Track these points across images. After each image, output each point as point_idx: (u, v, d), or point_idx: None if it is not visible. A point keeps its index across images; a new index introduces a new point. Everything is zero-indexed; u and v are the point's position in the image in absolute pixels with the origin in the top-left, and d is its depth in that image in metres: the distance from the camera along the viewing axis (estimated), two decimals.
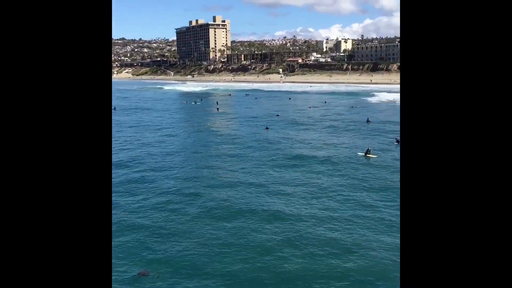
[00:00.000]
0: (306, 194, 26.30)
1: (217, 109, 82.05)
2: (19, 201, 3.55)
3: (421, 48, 3.67)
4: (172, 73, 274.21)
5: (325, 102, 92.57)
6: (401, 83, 3.84)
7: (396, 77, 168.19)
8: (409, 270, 3.68)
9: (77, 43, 3.73)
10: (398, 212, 22.49)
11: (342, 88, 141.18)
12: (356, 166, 33.35)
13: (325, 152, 39.10)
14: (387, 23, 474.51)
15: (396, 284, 15.63)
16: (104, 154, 3.81)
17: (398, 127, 53.42)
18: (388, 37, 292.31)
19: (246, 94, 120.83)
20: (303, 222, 21.53)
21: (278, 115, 67.89)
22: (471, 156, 3.58)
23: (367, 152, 36.37)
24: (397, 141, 41.52)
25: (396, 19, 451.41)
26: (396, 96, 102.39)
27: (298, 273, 16.44)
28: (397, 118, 62.33)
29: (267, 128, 53.12)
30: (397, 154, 37.36)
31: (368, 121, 58.34)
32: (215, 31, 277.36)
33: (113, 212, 20.60)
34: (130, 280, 16.03)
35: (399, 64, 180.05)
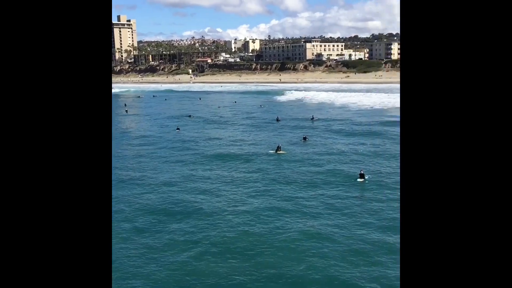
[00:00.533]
0: (222, 191, 26.72)
1: (126, 111, 79.83)
2: (20, 202, 3.50)
3: (420, 48, 3.66)
4: None
5: (235, 102, 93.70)
6: (401, 83, 3.82)
7: (302, 76, 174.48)
8: (409, 273, 3.63)
9: (77, 43, 3.69)
10: (309, 203, 23.75)
11: (252, 87, 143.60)
12: (268, 162, 34.42)
13: (237, 150, 39.84)
14: (292, 24, 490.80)
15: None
16: (104, 154, 3.77)
17: (304, 123, 55.67)
18: (294, 37, 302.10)
19: (153, 96, 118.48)
20: (220, 218, 21.91)
21: (190, 116, 67.64)
22: (471, 156, 3.54)
23: (278, 149, 37.65)
24: (304, 138, 43.34)
25: (300, 20, 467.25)
26: (304, 94, 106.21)
27: (218, 272, 16.79)
28: (304, 114, 64.84)
29: (178, 129, 52.82)
30: (304, 149, 39.06)
31: (277, 119, 60.08)
32: (120, 31, 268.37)
33: None
34: None
35: (305, 63, 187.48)
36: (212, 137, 47.93)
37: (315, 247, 18.36)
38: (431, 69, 3.64)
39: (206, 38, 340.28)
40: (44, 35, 3.63)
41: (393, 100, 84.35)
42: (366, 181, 27.52)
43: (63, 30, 3.68)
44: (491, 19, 3.52)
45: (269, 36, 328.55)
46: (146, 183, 29.22)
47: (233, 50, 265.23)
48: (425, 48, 3.65)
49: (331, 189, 26.82)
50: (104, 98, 3.79)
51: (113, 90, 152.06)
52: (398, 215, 21.97)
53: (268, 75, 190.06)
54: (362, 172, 28.28)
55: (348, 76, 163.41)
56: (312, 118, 59.77)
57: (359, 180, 27.71)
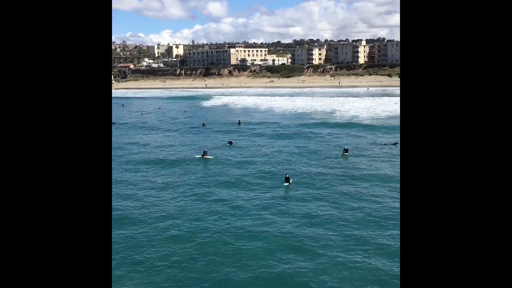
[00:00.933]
0: (149, 197, 26.25)
1: None
2: (20, 202, 3.48)
3: (420, 49, 3.62)
4: None
5: (160, 108, 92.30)
6: (401, 84, 3.79)
7: (228, 81, 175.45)
8: (409, 273, 3.58)
9: (77, 44, 3.66)
10: (237, 206, 24.00)
11: (178, 93, 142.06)
12: (195, 167, 34.32)
13: (164, 156, 39.34)
14: (216, 29, 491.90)
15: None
16: (104, 155, 3.76)
17: (229, 128, 56.01)
18: (218, 42, 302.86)
19: None
20: (148, 225, 21.53)
21: (114, 123, 65.65)
22: (471, 157, 3.51)
23: (204, 154, 37.63)
24: (229, 142, 43.64)
25: (223, 26, 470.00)
26: (229, 99, 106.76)
27: (144, 279, 16.51)
28: (230, 119, 65.23)
29: None
30: (231, 153, 39.37)
31: (203, 124, 59.96)
32: None
33: None
34: None
35: (230, 68, 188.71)
36: (137, 143, 46.92)
37: (244, 248, 18.60)
38: (430, 69, 3.61)
39: (128, 43, 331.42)
40: (44, 35, 3.61)
41: (315, 104, 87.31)
42: (291, 185, 28.23)
43: (62, 30, 3.66)
44: (491, 20, 3.49)
45: (192, 41, 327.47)
46: None
47: (156, 55, 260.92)
48: (424, 48, 3.62)
49: (258, 192, 27.27)
50: (104, 99, 3.77)
51: None
52: (322, 213, 22.85)
53: (193, 80, 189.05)
54: (287, 176, 28.98)
55: (272, 81, 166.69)
56: (239, 123, 60.13)
57: (285, 184, 28.35)
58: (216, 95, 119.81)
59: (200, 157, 37.36)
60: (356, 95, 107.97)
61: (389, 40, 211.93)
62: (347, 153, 37.14)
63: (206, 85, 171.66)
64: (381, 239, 19.20)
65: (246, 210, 23.72)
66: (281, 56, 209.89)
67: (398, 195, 25.38)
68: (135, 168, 34.94)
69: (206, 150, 38.46)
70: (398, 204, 21.62)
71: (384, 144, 41.76)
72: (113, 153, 40.39)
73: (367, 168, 32.31)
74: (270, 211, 23.45)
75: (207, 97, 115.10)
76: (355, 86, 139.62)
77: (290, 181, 28.37)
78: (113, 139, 49.68)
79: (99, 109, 3.75)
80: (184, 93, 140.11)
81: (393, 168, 31.30)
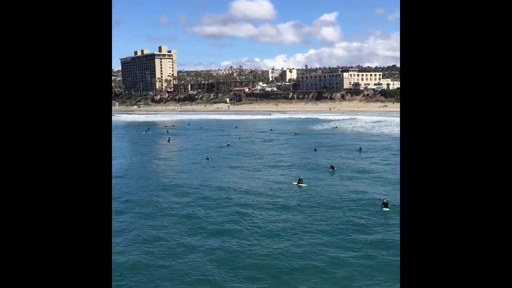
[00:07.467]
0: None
1: (168, 140, 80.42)
2: (20, 202, 3.50)
3: (420, 50, 3.58)
4: (117, 103, 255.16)
5: (271, 129, 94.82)
6: (401, 85, 3.79)
7: (340, 105, 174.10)
8: (409, 272, 3.54)
9: (77, 45, 3.64)
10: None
11: (294, 115, 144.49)
12: (289, 194, 33.60)
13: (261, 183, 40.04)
14: (329, 53, 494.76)
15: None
16: (104, 156, 3.70)
17: (340, 154, 55.17)
18: (331, 66, 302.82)
19: (188, 124, 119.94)
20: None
21: (228, 145, 68.20)
22: (471, 160, 3.49)
23: (299, 181, 36.67)
24: (331, 167, 42.97)
25: (336, 50, 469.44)
26: (339, 124, 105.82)
27: None
28: (342, 142, 64.52)
29: (207, 159, 53.21)
30: (328, 181, 38.59)
31: (315, 149, 59.06)
32: (161, 61, 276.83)
33: None
34: None
35: (342, 92, 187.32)
36: (239, 170, 48.45)
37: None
38: (430, 71, 3.58)
39: (244, 67, 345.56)
40: (44, 35, 3.59)
41: None
42: (390, 209, 27.22)
43: (63, 32, 3.63)
44: (491, 22, 3.45)
45: (306, 65, 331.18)
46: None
47: (270, 79, 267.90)
48: (424, 50, 3.60)
49: (352, 217, 26.63)
50: (104, 100, 3.70)
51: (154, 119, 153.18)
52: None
53: (305, 104, 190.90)
54: (385, 200, 28.11)
55: (385, 106, 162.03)
56: (360, 149, 57.45)
57: (383, 209, 27.51)
58: (325, 119, 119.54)
59: (296, 184, 36.51)
60: None
61: None
62: None
63: (330, 108, 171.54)
64: None
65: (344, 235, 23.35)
66: (396, 80, 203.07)
67: None
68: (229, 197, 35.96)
69: (301, 177, 37.05)
70: None
71: None
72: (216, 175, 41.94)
73: None
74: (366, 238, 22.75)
75: (318, 121, 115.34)
76: None
77: (389, 206, 27.56)
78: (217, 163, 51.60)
79: (99, 110, 3.68)
80: (296, 116, 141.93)
81: None
